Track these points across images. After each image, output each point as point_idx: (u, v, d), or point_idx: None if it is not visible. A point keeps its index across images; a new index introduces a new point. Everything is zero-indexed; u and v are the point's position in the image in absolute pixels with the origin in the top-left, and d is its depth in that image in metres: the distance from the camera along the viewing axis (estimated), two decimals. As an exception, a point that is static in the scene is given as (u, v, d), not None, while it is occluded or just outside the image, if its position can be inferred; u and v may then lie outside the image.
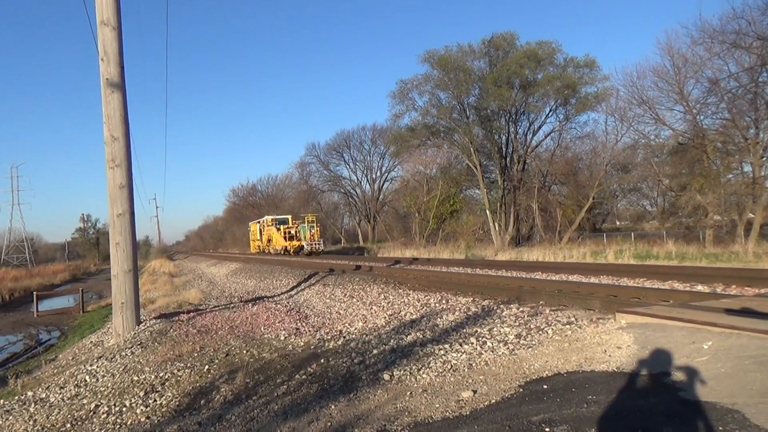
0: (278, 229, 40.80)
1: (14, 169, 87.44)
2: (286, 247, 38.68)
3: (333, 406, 4.88)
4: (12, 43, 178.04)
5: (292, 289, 16.29)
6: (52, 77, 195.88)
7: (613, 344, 5.50)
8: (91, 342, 12.55)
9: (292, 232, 39.18)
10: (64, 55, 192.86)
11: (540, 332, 6.48)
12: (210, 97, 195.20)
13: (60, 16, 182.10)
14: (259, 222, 48.97)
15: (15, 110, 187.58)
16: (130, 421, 5.47)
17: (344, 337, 8.20)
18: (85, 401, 6.43)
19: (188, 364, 7.25)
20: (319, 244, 37.14)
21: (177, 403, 5.79)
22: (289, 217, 43.48)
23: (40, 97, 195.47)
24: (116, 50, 10.52)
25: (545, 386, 4.59)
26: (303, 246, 36.77)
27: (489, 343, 6.29)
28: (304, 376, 6.03)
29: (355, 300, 11.78)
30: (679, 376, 4.33)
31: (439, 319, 8.22)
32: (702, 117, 25.08)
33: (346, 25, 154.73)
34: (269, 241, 43.72)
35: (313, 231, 37.09)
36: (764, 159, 22.67)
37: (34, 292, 27.22)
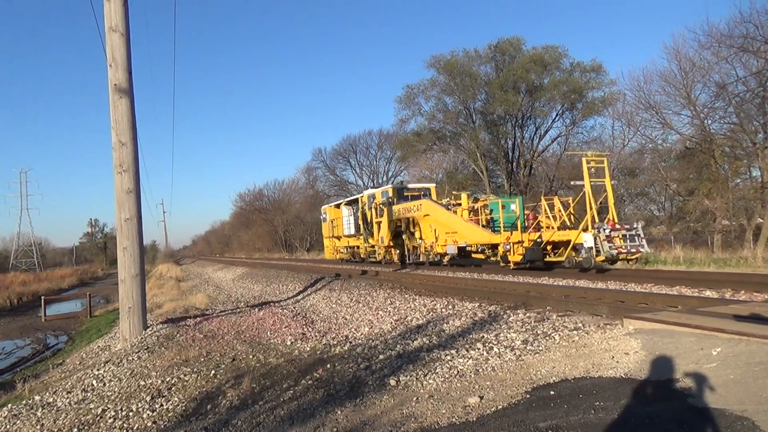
0: (449, 209, 18.82)
1: (23, 174, 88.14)
2: (492, 246, 16.67)
3: (339, 412, 4.87)
4: (21, 48, 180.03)
5: (298, 294, 16.30)
6: (60, 83, 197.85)
7: (621, 350, 5.47)
8: (99, 346, 12.60)
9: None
10: (72, 61, 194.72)
11: (547, 338, 6.45)
12: (217, 101, 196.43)
13: (69, 22, 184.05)
14: (355, 201, 26.39)
15: (24, 116, 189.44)
16: (136, 425, 5.48)
17: (350, 342, 8.19)
18: (92, 406, 6.45)
19: (195, 369, 7.26)
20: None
21: (183, 407, 5.79)
22: (432, 186, 23.51)
23: (49, 102, 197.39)
24: (124, 56, 10.59)
25: (552, 392, 4.57)
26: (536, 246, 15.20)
27: (496, 349, 6.26)
28: (310, 381, 6.02)
29: (361, 305, 11.77)
30: (687, 382, 4.29)
31: (445, 325, 8.20)
32: (709, 121, 25.00)
33: (352, 31, 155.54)
34: (401, 233, 21.59)
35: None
36: (773, 163, 22.51)
37: (42, 297, 27.39)
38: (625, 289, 10.37)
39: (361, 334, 8.79)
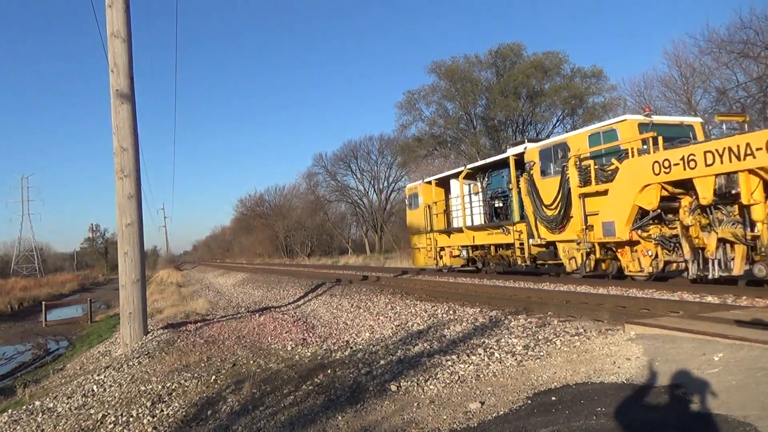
0: None
1: (24, 180, 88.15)
2: None
3: (340, 417, 4.86)
4: (22, 54, 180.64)
5: (299, 299, 16.29)
6: (62, 88, 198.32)
7: (623, 356, 5.45)
8: (99, 352, 12.59)
9: None
10: (74, 67, 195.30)
11: (548, 343, 6.43)
12: (218, 106, 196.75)
13: (71, 28, 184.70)
14: (496, 167, 17.48)
15: (25, 121, 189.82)
16: (137, 431, 5.47)
17: (351, 347, 8.17)
18: (92, 411, 6.44)
19: (195, 375, 7.25)
20: None
21: (184, 413, 5.78)
22: (697, 121, 12.95)
23: (51, 107, 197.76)
24: (126, 62, 10.64)
25: (554, 398, 4.55)
26: None
27: (497, 354, 6.25)
28: (311, 387, 6.01)
29: (362, 310, 11.76)
30: (689, 388, 4.28)
31: (446, 330, 8.18)
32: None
33: (353, 36, 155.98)
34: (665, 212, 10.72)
35: None
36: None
37: (43, 302, 27.40)
38: (627, 294, 10.34)
39: (362, 339, 8.77)
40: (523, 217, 14.79)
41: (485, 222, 17.22)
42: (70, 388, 8.07)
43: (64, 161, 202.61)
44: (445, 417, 4.51)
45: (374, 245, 61.48)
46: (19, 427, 6.42)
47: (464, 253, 18.65)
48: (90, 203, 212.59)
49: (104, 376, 8.27)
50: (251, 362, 7.74)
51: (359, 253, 58.27)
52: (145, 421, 5.68)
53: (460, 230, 18.10)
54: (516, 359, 5.96)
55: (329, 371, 6.58)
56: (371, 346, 7.88)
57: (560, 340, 6.45)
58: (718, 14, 57.69)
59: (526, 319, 8.16)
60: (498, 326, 7.91)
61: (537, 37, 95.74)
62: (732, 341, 5.16)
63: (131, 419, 5.82)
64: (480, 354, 6.35)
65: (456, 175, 18.62)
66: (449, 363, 6.14)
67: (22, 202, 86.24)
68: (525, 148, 14.77)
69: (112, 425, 5.76)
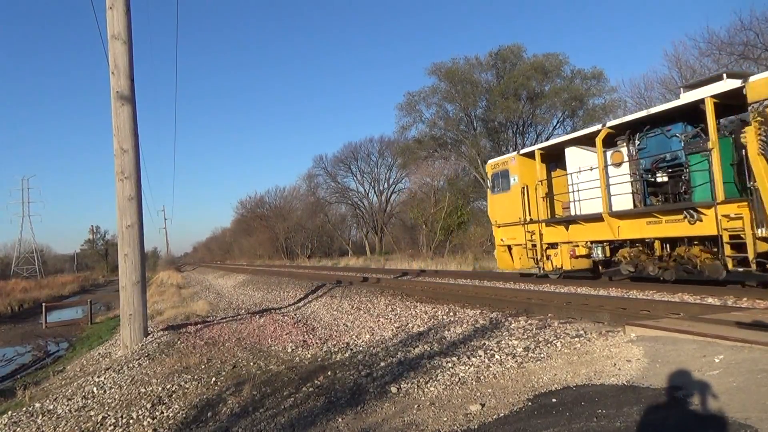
0: None
1: (25, 181, 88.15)
2: None
3: (340, 419, 4.85)
4: (23, 56, 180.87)
5: (299, 300, 16.28)
6: (62, 90, 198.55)
7: (623, 357, 5.44)
8: (99, 353, 12.58)
9: None
10: (74, 68, 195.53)
11: (548, 345, 6.43)
12: (218, 109, 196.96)
13: (72, 30, 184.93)
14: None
15: (26, 123, 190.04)
16: (137, 433, 5.47)
17: (351, 349, 8.17)
18: (92, 413, 6.43)
19: (195, 376, 7.24)
20: None
21: (184, 415, 5.78)
22: None
23: (51, 109, 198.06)
24: (126, 64, 10.65)
25: (554, 400, 4.55)
26: None
27: (497, 356, 6.24)
28: (311, 389, 6.00)
29: (362, 312, 11.75)
30: (690, 390, 4.27)
31: (446, 332, 8.18)
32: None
33: (353, 38, 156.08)
34: None
35: None
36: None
37: (43, 304, 27.39)
38: (627, 296, 10.34)
39: (362, 341, 8.77)
40: (739, 193, 9.64)
41: (639, 205, 11.64)
42: (70, 390, 8.07)
43: (64, 163, 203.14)
44: (445, 419, 4.51)
45: (374, 247, 61.48)
46: (19, 428, 6.42)
47: (598, 251, 12.81)
48: (90, 205, 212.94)
49: (104, 378, 8.26)
50: (251, 364, 7.74)
51: (359, 254, 58.29)
52: (145, 423, 5.68)
53: (592, 218, 12.57)
54: (516, 361, 5.96)
55: (329, 373, 6.58)
56: (371, 348, 7.88)
57: (561, 342, 6.44)
58: (719, 16, 57.78)
59: (526, 321, 8.15)
60: (498, 328, 7.91)
61: (537, 38, 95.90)
62: (733, 343, 5.15)
63: (131, 421, 5.82)
64: (480, 356, 6.34)
65: (580, 140, 13.26)
66: (449, 365, 6.13)
67: (22, 204, 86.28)
68: (744, 82, 9.23)
69: (112, 427, 5.75)
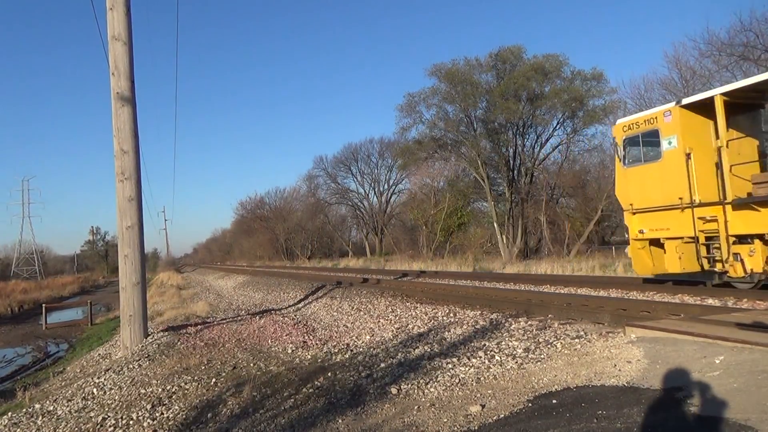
0: None
1: (25, 182, 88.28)
2: None
3: (340, 420, 4.85)
4: (23, 56, 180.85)
5: (299, 302, 16.27)
6: (63, 91, 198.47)
7: (623, 358, 5.44)
8: (99, 354, 12.57)
9: None
10: (75, 69, 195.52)
11: (549, 346, 6.42)
12: (219, 110, 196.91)
13: (72, 31, 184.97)
14: None
15: (26, 124, 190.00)
16: (136, 434, 5.47)
17: (351, 350, 8.16)
18: (92, 414, 6.43)
19: (195, 377, 7.24)
20: None
21: (184, 416, 5.78)
22: None
23: (51, 110, 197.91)
24: (127, 65, 10.65)
25: (554, 401, 4.54)
26: None
27: (497, 357, 6.24)
28: (311, 390, 6.00)
29: (362, 313, 11.74)
30: (690, 391, 4.27)
31: (446, 333, 8.17)
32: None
33: (353, 39, 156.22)
34: None
35: None
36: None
37: (43, 305, 27.42)
38: (627, 297, 10.33)
39: (362, 342, 8.76)
40: None
41: None
42: (70, 391, 8.07)
43: (64, 164, 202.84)
44: (445, 420, 4.51)
45: (374, 248, 61.50)
46: (19, 429, 6.41)
47: None
48: (90, 206, 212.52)
49: (104, 379, 8.26)
50: (251, 365, 7.73)
51: (359, 255, 58.33)
52: (145, 424, 5.68)
53: None
54: (516, 362, 5.96)
55: (329, 374, 6.57)
56: (371, 349, 7.87)
57: (561, 343, 6.44)
58: (719, 17, 57.84)
59: (526, 322, 8.15)
60: (498, 329, 7.90)
61: (537, 39, 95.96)
62: (733, 344, 5.15)
63: (131, 422, 5.82)
64: (480, 357, 6.34)
65: None
66: (450, 366, 6.13)
67: (22, 205, 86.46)
68: None
69: (112, 428, 5.75)
